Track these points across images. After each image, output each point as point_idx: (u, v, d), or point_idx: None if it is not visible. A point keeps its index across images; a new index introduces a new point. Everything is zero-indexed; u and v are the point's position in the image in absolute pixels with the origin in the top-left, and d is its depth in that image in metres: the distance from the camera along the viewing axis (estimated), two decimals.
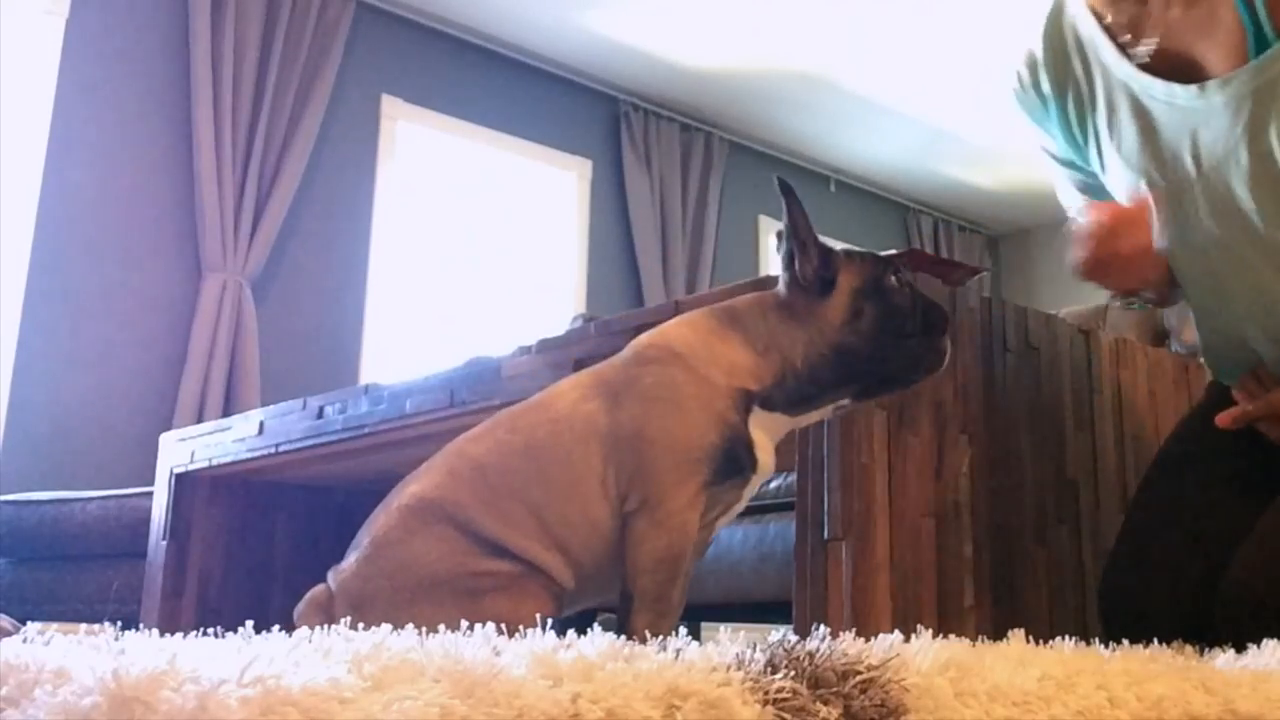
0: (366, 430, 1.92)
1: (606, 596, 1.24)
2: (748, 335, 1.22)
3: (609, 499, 1.14)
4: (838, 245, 1.27)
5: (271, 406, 2.24)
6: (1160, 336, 2.51)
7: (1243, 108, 1.25)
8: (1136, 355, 1.85)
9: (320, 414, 2.06)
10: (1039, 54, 1.50)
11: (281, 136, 4.43)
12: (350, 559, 1.14)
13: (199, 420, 3.92)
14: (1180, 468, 1.53)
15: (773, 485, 1.97)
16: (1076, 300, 2.66)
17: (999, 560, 1.54)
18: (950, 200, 7.01)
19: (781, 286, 1.24)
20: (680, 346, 1.20)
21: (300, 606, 1.14)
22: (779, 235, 1.25)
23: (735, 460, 1.16)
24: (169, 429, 3.05)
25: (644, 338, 1.25)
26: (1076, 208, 1.57)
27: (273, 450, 2.16)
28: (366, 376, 4.55)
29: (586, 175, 5.56)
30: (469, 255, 5.13)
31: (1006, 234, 7.48)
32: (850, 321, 1.20)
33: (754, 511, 2.02)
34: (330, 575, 1.14)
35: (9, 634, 0.88)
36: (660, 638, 0.76)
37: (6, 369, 3.80)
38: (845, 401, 1.24)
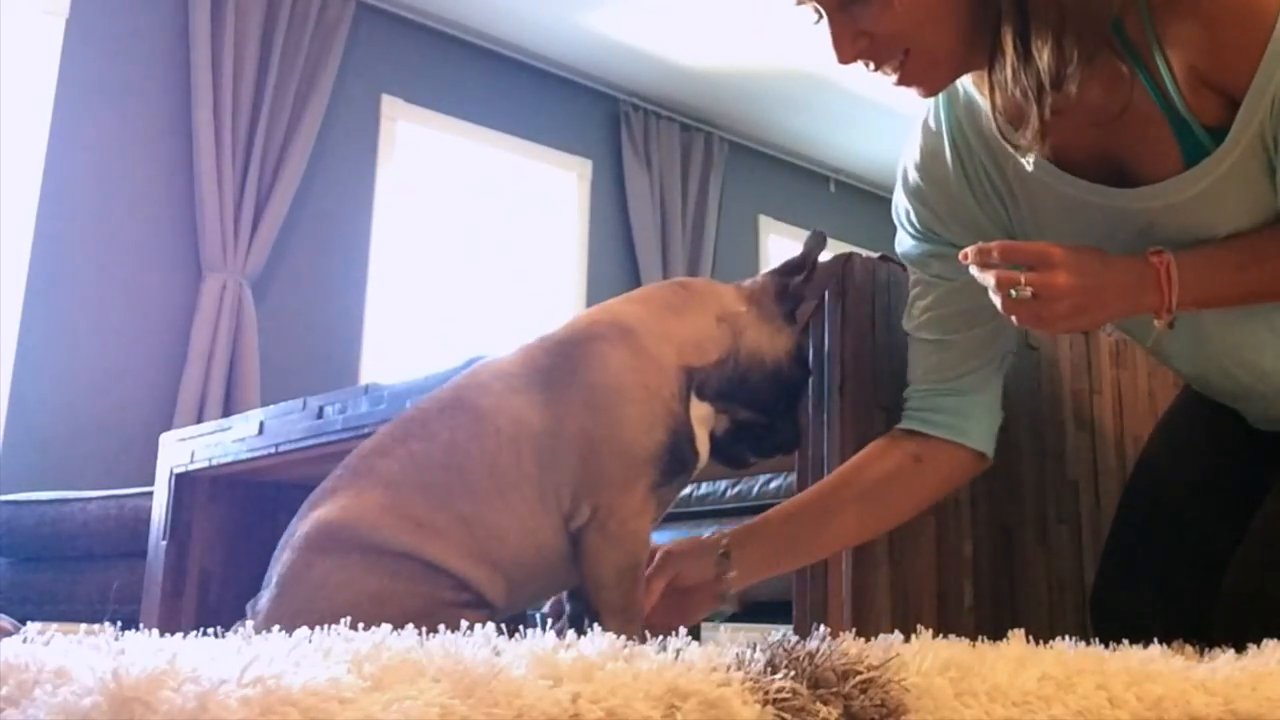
0: (366, 430, 1.92)
1: (538, 603, 1.20)
2: (712, 307, 1.20)
3: (549, 510, 1.07)
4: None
5: (271, 406, 2.24)
6: None
7: (1191, 207, 1.14)
8: (1136, 355, 1.85)
9: (320, 414, 2.06)
10: (945, 148, 1.30)
11: (281, 136, 4.43)
12: (265, 597, 1.05)
13: (199, 420, 3.92)
14: (1166, 470, 1.47)
15: (773, 485, 1.96)
16: None
17: (999, 560, 1.54)
18: None
19: (771, 285, 1.25)
20: (631, 321, 1.15)
21: None
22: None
23: (680, 457, 1.13)
24: (169, 429, 3.05)
25: (591, 312, 1.18)
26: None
27: (273, 450, 2.16)
28: (366, 376, 4.54)
29: (586, 175, 5.56)
30: (469, 255, 5.13)
31: None
32: (795, 355, 1.23)
33: (754, 512, 2.01)
34: (249, 610, 1.05)
35: (9, 634, 0.88)
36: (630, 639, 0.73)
37: (6, 369, 3.80)
38: (743, 416, 1.20)
